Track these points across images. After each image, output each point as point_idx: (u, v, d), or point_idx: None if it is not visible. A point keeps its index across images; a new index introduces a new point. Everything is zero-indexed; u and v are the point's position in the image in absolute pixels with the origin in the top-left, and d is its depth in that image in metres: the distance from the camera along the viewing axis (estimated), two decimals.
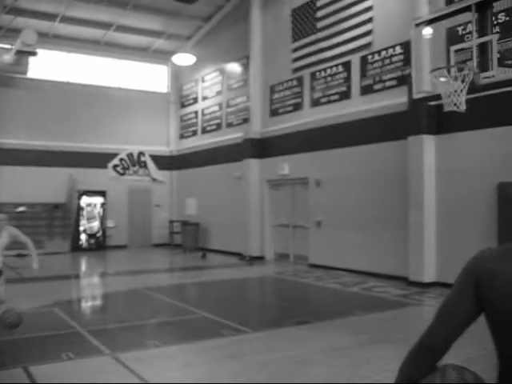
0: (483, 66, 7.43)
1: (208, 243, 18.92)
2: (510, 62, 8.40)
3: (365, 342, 6.66)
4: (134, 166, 20.80)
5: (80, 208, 18.92)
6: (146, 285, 11.35)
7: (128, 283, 11.90)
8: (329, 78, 14.09)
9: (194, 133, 20.69)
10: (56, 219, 18.82)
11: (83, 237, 18.92)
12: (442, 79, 7.44)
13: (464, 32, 10.40)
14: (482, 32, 7.62)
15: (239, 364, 5.74)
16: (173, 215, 21.27)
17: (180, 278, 13.75)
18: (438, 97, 8.17)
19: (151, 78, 21.81)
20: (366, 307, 9.03)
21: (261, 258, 16.06)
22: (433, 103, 9.52)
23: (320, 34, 14.25)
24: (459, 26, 10.42)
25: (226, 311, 8.76)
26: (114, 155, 20.37)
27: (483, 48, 7.58)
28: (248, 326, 7.52)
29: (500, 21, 9.55)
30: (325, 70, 14.20)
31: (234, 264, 15.38)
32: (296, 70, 15.22)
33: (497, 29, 8.93)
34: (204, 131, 20.00)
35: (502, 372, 1.75)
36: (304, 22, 14.80)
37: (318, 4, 14.30)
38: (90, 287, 12.32)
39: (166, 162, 21.47)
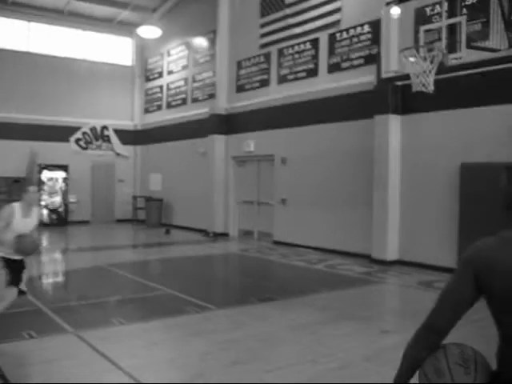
0: (452, 47, 7.47)
1: (172, 219, 18.81)
2: (477, 44, 8.45)
3: (329, 319, 6.74)
4: (97, 140, 20.40)
5: (41, 182, 18.51)
6: (109, 261, 11.21)
7: (91, 259, 11.76)
8: (296, 55, 14.00)
9: (159, 107, 20.39)
10: (16, 194, 18.36)
11: (44, 212, 18.54)
12: (411, 59, 7.47)
13: (432, 13, 10.42)
14: (450, 13, 7.65)
15: (206, 342, 5.73)
16: (136, 191, 21.04)
17: (143, 254, 13.64)
18: (405, 77, 8.21)
19: (116, 50, 21.29)
20: (330, 285, 9.12)
21: (225, 235, 16.05)
22: (400, 83, 9.57)
23: (288, 10, 14.11)
24: (427, 6, 10.44)
25: (190, 288, 8.72)
26: (77, 129, 19.92)
27: (452, 29, 7.63)
28: (212, 303, 7.51)
29: (468, 3, 9.59)
30: (292, 46, 14.10)
31: (197, 240, 15.34)
32: (263, 45, 15.08)
33: (464, 11, 8.96)
34: (169, 106, 19.72)
35: (502, 348, 1.96)
36: None
37: None
38: (52, 263, 12.10)
39: (130, 137, 21.12)
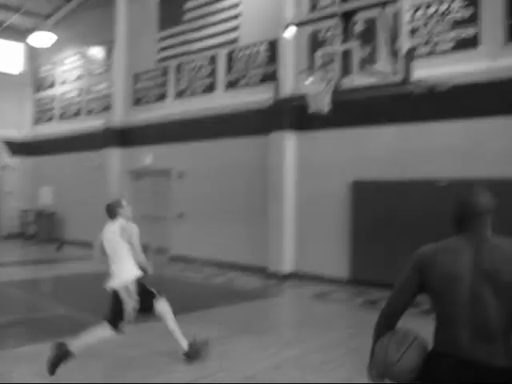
0: (345, 70, 7.89)
1: (65, 234, 18.14)
2: (367, 68, 8.98)
3: (230, 333, 6.81)
4: None
5: None
6: None
7: None
8: (194, 71, 14.10)
9: (51, 118, 19.66)
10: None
11: None
12: (308, 81, 7.80)
13: (326, 37, 10.94)
14: (344, 38, 8.09)
15: (106, 362, 5.60)
16: (26, 204, 20.07)
17: (34, 271, 13.02)
18: (302, 96, 8.55)
19: (5, 56, 20.27)
20: (228, 299, 9.21)
21: None
22: (296, 102, 9.92)
23: (187, 26, 14.21)
24: (321, 30, 10.94)
25: (86, 306, 8.47)
26: None
27: (345, 54, 8.06)
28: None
29: (360, 29, 10.17)
30: (191, 62, 14.20)
31: (91, 256, 14.86)
32: (162, 59, 15.05)
33: (356, 37, 9.47)
34: (62, 117, 19.08)
35: (437, 329, 2.51)
36: (172, 12, 14.66)
37: None
38: None
39: (19, 148, 20.10)
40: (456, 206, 2.61)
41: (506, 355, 2.36)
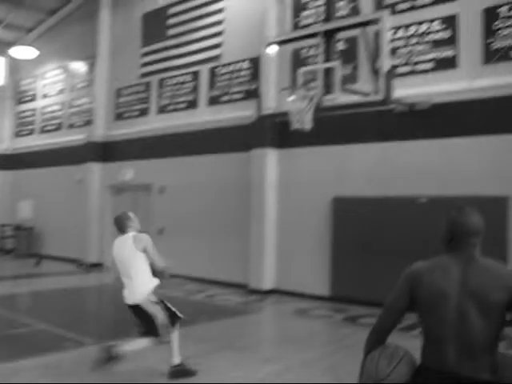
0: (327, 88, 7.99)
1: (44, 249, 17.91)
2: (348, 86, 9.09)
3: (210, 350, 6.79)
4: None
5: None
6: None
7: None
8: (177, 86, 14.15)
9: (32, 132, 19.51)
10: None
11: None
12: (291, 98, 7.88)
13: (307, 55, 11.08)
14: (326, 56, 8.20)
15: (83, 381, 5.54)
16: (5, 218, 19.79)
17: (12, 286, 12.84)
18: (284, 113, 8.63)
19: None
20: (209, 315, 9.17)
21: (99, 265, 15.59)
22: (278, 119, 10.00)
23: (170, 42, 14.27)
24: (303, 48, 11.07)
25: (66, 322, 8.36)
26: None
27: (327, 72, 8.17)
28: (90, 338, 7.26)
29: (341, 48, 10.31)
30: (173, 77, 14.24)
31: (71, 271, 14.76)
32: (144, 75, 15.07)
33: (338, 55, 9.59)
34: (43, 131, 18.95)
35: (425, 345, 2.61)
36: (155, 27, 14.72)
37: (170, 12, 14.32)
38: None
39: None
40: (447, 226, 2.67)
41: (490, 369, 2.47)
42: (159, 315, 5.35)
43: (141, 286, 5.40)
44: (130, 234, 5.48)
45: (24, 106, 20.03)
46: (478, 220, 2.64)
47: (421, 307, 2.61)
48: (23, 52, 18.32)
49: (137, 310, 5.42)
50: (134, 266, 5.40)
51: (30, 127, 19.57)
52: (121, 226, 5.57)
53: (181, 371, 5.61)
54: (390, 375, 2.52)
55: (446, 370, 2.47)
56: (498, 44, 8.81)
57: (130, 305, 5.48)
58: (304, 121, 7.75)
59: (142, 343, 5.44)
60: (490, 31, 8.89)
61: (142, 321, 5.46)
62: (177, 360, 5.62)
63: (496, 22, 8.84)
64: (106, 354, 5.20)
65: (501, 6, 8.82)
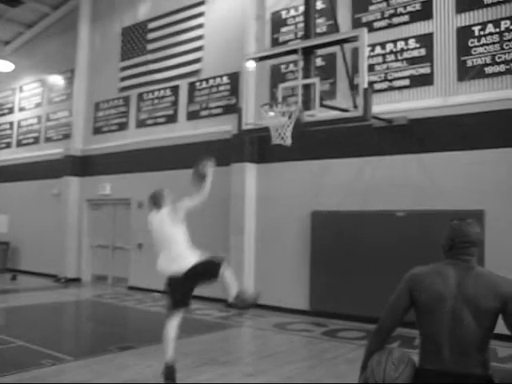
0: (306, 104, 8.09)
1: (20, 264, 17.66)
2: (327, 102, 9.22)
3: (191, 364, 6.76)
4: None
5: None
6: None
7: None
8: (156, 101, 14.16)
9: (9, 145, 19.32)
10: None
11: None
12: (270, 114, 7.95)
13: (286, 70, 11.20)
14: (305, 73, 8.30)
15: None
16: None
17: None
18: (264, 128, 8.70)
19: None
20: (188, 330, 9.05)
21: (77, 280, 15.44)
22: (257, 134, 10.06)
23: (150, 56, 14.30)
24: (282, 64, 11.19)
25: (43, 339, 8.23)
26: None
27: (306, 87, 8.27)
28: (69, 354, 7.18)
29: (320, 64, 10.46)
30: (153, 92, 14.26)
31: (48, 286, 14.56)
32: (123, 89, 15.06)
33: (317, 71, 9.73)
34: (19, 144, 18.77)
35: (422, 345, 2.81)
36: (134, 42, 14.75)
37: (150, 26, 14.37)
38: None
39: None
40: (447, 234, 2.87)
41: (482, 365, 2.69)
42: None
43: (182, 261, 5.87)
44: (166, 209, 5.93)
45: (1, 119, 19.84)
46: (477, 231, 2.89)
47: (419, 309, 2.81)
48: (0, 65, 18.18)
49: (189, 274, 5.77)
50: (173, 238, 5.88)
51: (7, 140, 19.38)
52: (157, 201, 6.08)
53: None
54: (398, 379, 2.69)
55: (443, 369, 2.67)
56: (472, 61, 9.02)
57: (177, 277, 5.79)
58: (284, 136, 7.82)
59: (231, 277, 6.05)
60: (464, 49, 9.11)
61: (197, 281, 5.85)
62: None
63: (471, 40, 9.06)
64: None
65: (475, 25, 9.04)
